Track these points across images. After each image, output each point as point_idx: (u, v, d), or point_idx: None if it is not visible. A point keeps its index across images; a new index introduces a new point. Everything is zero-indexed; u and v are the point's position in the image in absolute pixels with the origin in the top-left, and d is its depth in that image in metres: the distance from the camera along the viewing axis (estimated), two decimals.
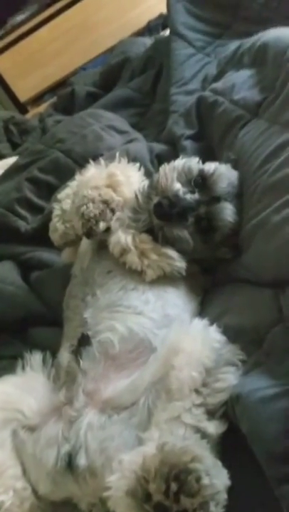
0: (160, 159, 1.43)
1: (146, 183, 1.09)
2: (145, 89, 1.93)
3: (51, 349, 1.02)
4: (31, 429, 0.90)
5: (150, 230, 1.03)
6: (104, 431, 0.84)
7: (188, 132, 1.40)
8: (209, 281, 1.10)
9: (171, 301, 1.01)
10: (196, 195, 1.03)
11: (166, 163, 1.08)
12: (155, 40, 2.15)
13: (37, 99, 3.55)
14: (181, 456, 0.69)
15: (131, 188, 1.08)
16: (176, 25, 1.73)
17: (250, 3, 1.60)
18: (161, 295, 1.01)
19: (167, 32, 1.95)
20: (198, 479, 0.67)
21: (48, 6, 3.45)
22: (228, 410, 0.79)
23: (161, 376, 0.84)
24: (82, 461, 0.82)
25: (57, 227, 1.16)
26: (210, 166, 1.06)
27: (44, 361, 0.99)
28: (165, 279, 1.02)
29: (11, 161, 1.90)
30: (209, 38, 1.70)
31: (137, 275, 1.01)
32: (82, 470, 0.82)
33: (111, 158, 1.17)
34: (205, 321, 0.90)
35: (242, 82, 1.28)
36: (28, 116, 3.16)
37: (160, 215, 1.00)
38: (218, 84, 1.37)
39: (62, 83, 3.31)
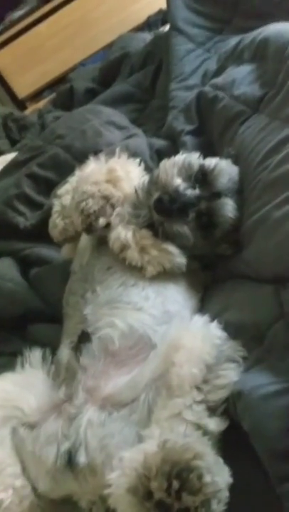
0: (160, 155, 1.43)
1: (146, 178, 1.09)
2: (144, 85, 1.93)
3: (51, 346, 1.01)
4: (31, 426, 0.89)
5: (150, 226, 1.02)
6: (105, 428, 0.83)
7: (189, 128, 1.40)
8: (209, 278, 1.10)
9: (171, 297, 1.01)
10: (197, 191, 1.02)
11: (166, 159, 1.07)
12: (155, 35, 2.15)
13: (36, 96, 3.53)
14: (183, 454, 0.69)
15: (131, 184, 1.08)
16: (176, 21, 1.72)
17: None
18: (161, 291, 1.01)
19: (167, 27, 1.95)
20: (200, 477, 0.67)
21: (47, 1, 3.43)
22: (230, 407, 0.78)
23: (162, 373, 0.84)
24: (82, 458, 0.82)
25: (56, 223, 1.16)
26: (210, 162, 1.06)
27: (44, 358, 0.98)
28: (165, 275, 1.01)
29: (9, 157, 1.89)
30: (209, 33, 1.69)
31: (137, 271, 1.01)
32: (82, 467, 0.82)
33: (111, 154, 1.17)
34: (205, 318, 0.89)
35: (242, 78, 1.27)
36: (27, 112, 3.14)
37: (160, 211, 1.00)
38: (218, 80, 1.37)
39: (62, 79, 3.29)
